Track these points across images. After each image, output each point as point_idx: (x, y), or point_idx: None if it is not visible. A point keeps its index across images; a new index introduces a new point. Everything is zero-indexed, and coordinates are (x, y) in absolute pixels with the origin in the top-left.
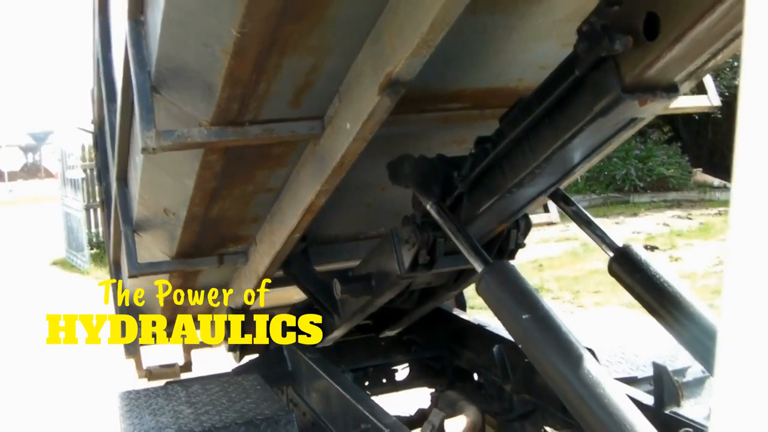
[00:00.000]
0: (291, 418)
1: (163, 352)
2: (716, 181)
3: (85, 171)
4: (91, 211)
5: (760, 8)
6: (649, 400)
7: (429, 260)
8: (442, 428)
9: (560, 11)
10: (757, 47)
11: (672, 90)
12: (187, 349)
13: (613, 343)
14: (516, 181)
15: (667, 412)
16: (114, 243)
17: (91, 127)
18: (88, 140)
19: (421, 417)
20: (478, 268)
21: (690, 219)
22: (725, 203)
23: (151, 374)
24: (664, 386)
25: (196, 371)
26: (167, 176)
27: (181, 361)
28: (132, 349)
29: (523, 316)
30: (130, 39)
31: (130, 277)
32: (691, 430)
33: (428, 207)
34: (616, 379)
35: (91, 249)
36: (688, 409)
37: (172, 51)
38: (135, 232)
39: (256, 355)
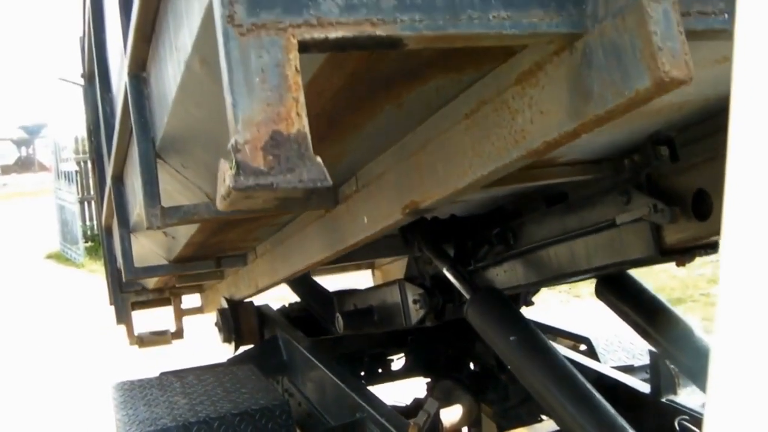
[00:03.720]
0: (286, 407)
1: (154, 319)
2: None
3: (78, 164)
4: (86, 203)
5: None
6: (645, 388)
7: (437, 322)
8: (438, 417)
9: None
10: (747, 53)
11: (711, 247)
12: (179, 315)
13: (610, 331)
14: (534, 282)
15: (663, 400)
16: (107, 211)
17: (81, 80)
18: (82, 133)
19: (416, 406)
20: (467, 295)
21: None
22: None
23: (142, 341)
24: (661, 374)
25: (188, 339)
26: None
27: (172, 328)
28: (123, 316)
29: (510, 338)
30: (131, 98)
31: (127, 281)
32: (687, 417)
33: (444, 271)
34: (613, 367)
35: (86, 242)
36: (685, 397)
37: (178, 136)
38: (131, 233)
39: (251, 346)
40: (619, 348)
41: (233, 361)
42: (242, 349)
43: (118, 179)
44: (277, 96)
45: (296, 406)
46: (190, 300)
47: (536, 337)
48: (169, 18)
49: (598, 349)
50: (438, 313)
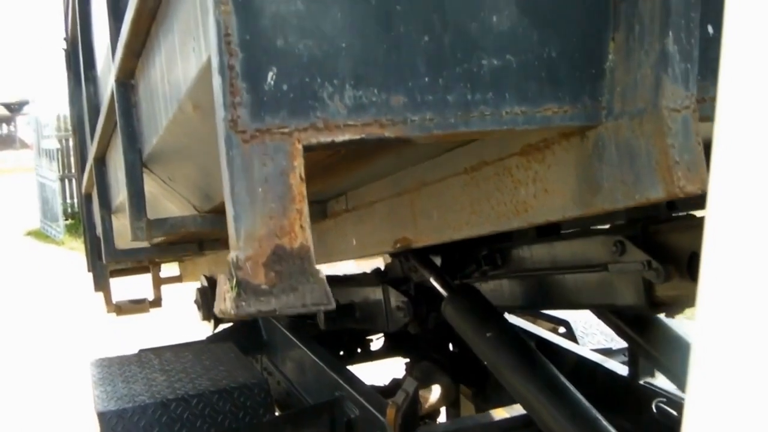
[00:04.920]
0: (265, 386)
1: (133, 287)
2: None
3: (60, 141)
4: (66, 181)
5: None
6: (623, 370)
7: (419, 330)
8: (417, 396)
9: None
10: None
11: None
12: (157, 284)
13: (589, 314)
14: (519, 306)
15: (641, 382)
16: (87, 181)
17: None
18: (64, 111)
19: (395, 386)
20: (444, 293)
21: None
22: None
23: (120, 309)
24: (639, 357)
25: (166, 308)
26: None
27: (150, 297)
28: (101, 283)
29: (487, 335)
30: (118, 106)
31: (107, 263)
32: (664, 399)
33: (431, 280)
34: (592, 350)
35: (66, 219)
36: (662, 379)
37: (166, 154)
38: (112, 214)
39: (230, 324)
40: (597, 331)
41: (212, 339)
42: (222, 327)
43: (100, 161)
44: (281, 208)
45: (275, 385)
46: (169, 267)
47: (512, 333)
48: (162, 47)
49: (577, 332)
50: (421, 322)
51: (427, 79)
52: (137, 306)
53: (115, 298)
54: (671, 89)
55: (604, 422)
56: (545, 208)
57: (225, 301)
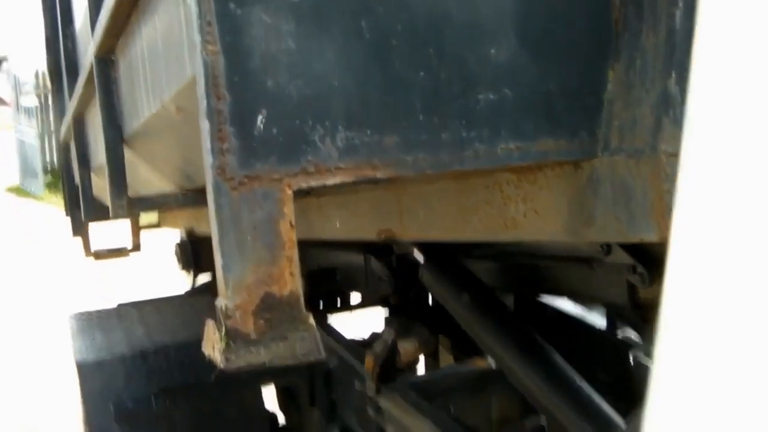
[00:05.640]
0: None
1: (111, 233)
2: None
3: (39, 98)
4: (46, 138)
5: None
6: (602, 323)
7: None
8: (395, 345)
9: None
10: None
11: None
12: (136, 231)
13: None
14: (500, 287)
15: (619, 335)
16: (66, 131)
17: None
18: (42, 67)
19: (375, 339)
20: (420, 260)
21: None
22: None
23: (98, 255)
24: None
25: (145, 252)
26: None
27: (129, 245)
28: (79, 228)
29: (463, 298)
30: (97, 82)
31: (87, 221)
32: (642, 353)
33: (421, 267)
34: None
35: (46, 175)
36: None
37: (148, 137)
38: (92, 172)
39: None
40: None
41: (192, 293)
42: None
43: (79, 119)
44: (270, 255)
45: None
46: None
47: (487, 294)
48: (143, 35)
49: None
50: (402, 295)
51: (421, 117)
52: (116, 254)
53: (95, 245)
54: (671, 133)
55: (580, 382)
56: (535, 229)
57: (214, 351)
